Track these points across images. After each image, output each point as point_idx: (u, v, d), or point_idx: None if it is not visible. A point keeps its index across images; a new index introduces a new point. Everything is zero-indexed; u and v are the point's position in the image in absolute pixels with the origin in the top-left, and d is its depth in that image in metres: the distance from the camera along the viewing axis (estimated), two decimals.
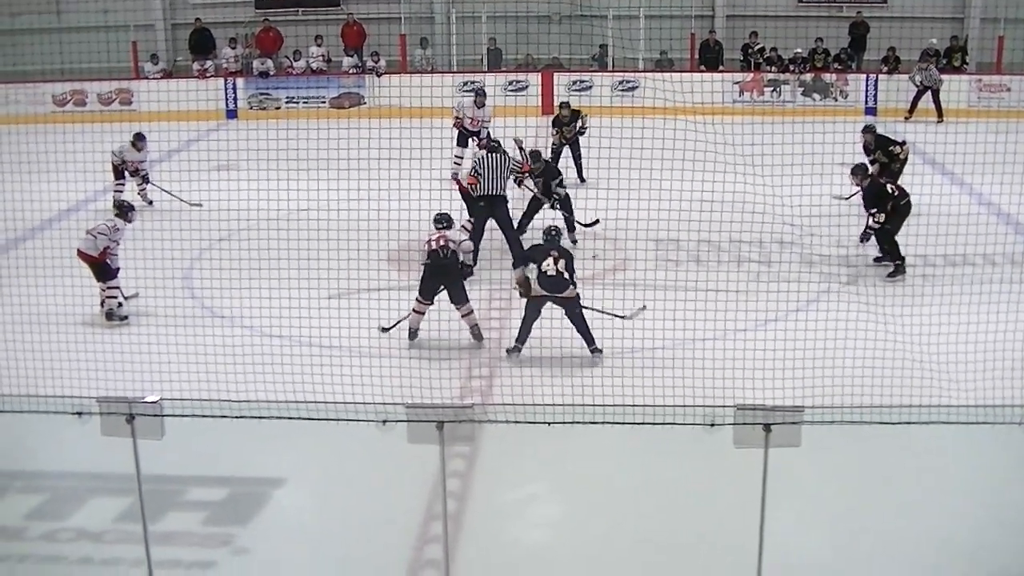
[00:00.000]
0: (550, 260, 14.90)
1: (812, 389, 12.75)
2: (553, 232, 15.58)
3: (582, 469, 12.06)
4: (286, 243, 15.79)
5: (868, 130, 21.83)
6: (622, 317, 15.11)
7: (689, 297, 14.92)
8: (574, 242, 19.13)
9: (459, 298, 15.40)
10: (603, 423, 8.88)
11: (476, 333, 15.52)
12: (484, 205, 18.45)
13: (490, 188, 18.40)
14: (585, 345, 14.83)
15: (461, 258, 15.50)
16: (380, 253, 15.92)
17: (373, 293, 16.19)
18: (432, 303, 15.46)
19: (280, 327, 15.36)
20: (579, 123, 23.84)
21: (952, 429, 9.17)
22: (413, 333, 15.60)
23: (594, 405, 10.43)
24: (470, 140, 24.64)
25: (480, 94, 25.59)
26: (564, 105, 24.41)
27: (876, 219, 17.81)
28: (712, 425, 8.23)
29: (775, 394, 12.38)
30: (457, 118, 24.80)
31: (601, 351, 14.90)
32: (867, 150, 21.34)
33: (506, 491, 11.96)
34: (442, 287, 15.43)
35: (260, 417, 9.09)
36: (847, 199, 19.84)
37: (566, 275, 14.82)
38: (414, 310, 15.54)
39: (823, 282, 17.20)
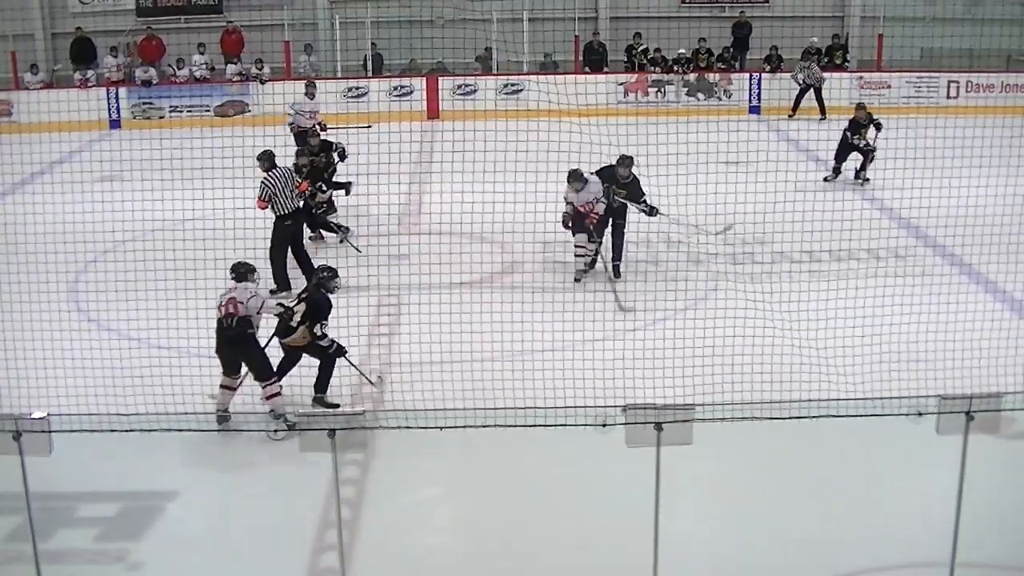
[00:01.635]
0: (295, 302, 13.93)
1: (703, 387, 12.89)
2: (319, 274, 14.06)
3: (477, 473, 12.08)
4: (172, 253, 15.61)
5: (861, 107, 23.61)
6: (371, 382, 14.20)
7: (578, 299, 14.99)
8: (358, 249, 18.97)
9: (259, 374, 13.40)
10: (495, 426, 8.88)
11: (276, 413, 13.24)
12: (290, 224, 17.78)
13: (288, 205, 17.68)
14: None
15: (254, 323, 13.40)
16: (267, 262, 15.80)
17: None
18: (239, 376, 13.52)
19: (168, 338, 15.18)
20: (333, 155, 20.96)
21: (843, 422, 9.27)
22: (221, 418, 13.32)
23: (486, 409, 10.46)
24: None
25: (310, 85, 25.91)
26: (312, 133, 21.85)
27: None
28: (604, 425, 8.26)
29: (666, 393, 12.48)
30: (291, 123, 24.61)
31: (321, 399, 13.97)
32: (859, 124, 22.90)
33: (402, 496, 11.93)
34: (240, 360, 13.52)
35: (151, 430, 9.00)
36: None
37: (293, 324, 13.54)
38: (221, 386, 13.47)
39: (710, 280, 17.33)
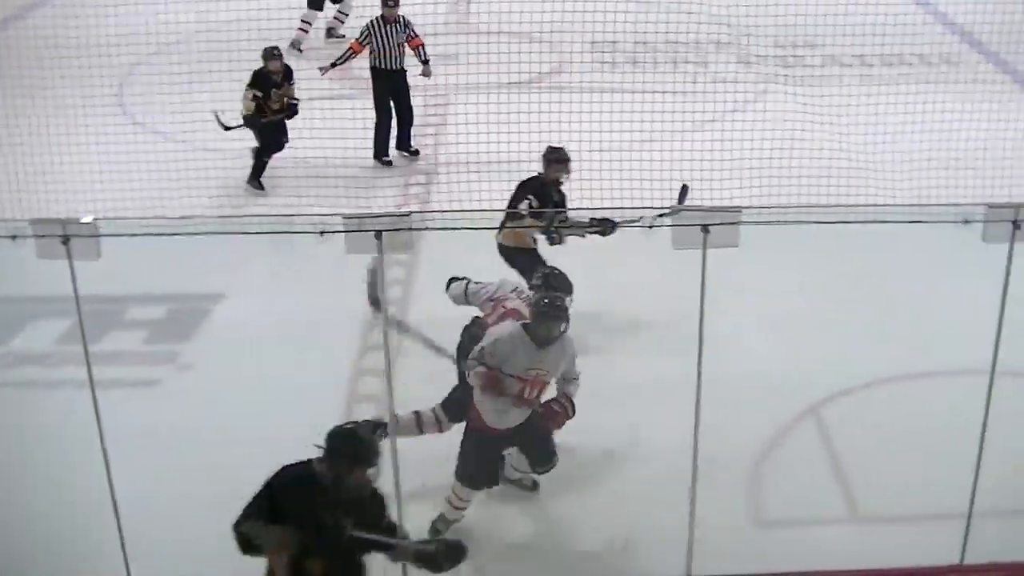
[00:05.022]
0: None
1: (750, 189, 12.84)
2: None
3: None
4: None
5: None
6: None
7: (626, 99, 14.82)
8: None
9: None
10: (534, 227, 8.79)
11: None
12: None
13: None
14: None
15: None
16: None
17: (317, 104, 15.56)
18: None
19: (215, 141, 14.99)
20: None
21: (888, 228, 9.19)
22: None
23: (534, 211, 10.45)
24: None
25: None
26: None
27: None
28: (650, 227, 8.18)
29: (713, 195, 12.45)
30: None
31: None
32: None
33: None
34: None
35: (196, 233, 9.01)
36: None
37: None
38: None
39: (760, 82, 17.09)
